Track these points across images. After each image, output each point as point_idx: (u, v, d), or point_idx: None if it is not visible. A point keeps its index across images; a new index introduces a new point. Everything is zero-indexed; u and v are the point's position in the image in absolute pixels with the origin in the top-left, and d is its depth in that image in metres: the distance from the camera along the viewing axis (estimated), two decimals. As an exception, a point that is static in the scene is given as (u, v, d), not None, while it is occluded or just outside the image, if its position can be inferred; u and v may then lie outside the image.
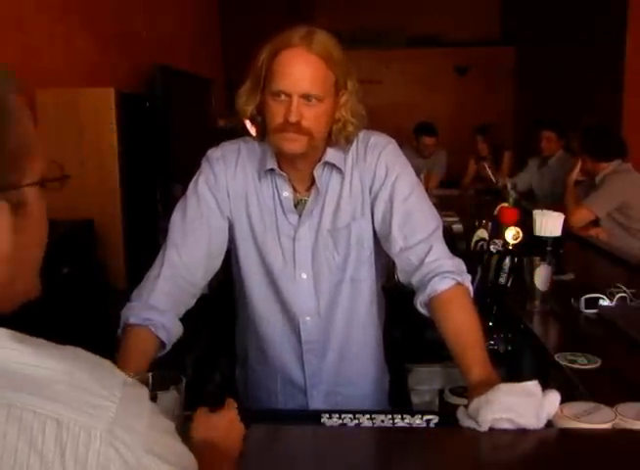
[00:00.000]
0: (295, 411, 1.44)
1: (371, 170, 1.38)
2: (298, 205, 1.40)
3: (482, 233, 2.12)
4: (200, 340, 2.43)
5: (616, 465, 1.00)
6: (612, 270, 2.48)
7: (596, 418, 1.07)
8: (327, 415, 1.15)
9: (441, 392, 1.60)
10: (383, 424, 1.13)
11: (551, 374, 1.48)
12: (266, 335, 1.47)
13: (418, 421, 1.14)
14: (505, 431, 1.05)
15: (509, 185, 3.18)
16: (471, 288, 1.33)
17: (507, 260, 1.90)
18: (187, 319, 1.35)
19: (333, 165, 1.38)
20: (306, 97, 1.24)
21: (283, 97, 1.24)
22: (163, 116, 3.73)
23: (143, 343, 1.25)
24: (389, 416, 1.15)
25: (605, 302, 1.81)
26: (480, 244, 2.10)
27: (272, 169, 1.37)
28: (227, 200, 1.39)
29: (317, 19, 6.16)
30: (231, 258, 1.48)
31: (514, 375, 1.71)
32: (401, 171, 1.38)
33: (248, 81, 1.32)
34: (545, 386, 1.09)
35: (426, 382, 1.94)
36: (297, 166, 1.37)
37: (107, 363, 0.56)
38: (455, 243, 2.93)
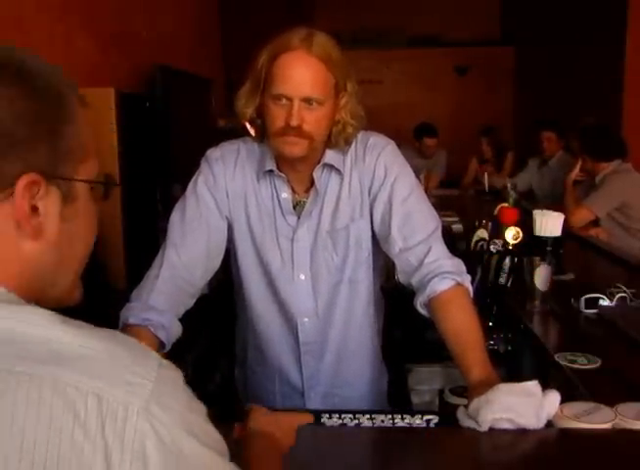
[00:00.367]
0: (294, 411, 1.44)
1: (370, 171, 1.38)
2: (297, 206, 1.40)
3: (482, 233, 2.13)
4: (200, 340, 2.42)
5: (616, 465, 1.00)
6: (612, 270, 2.48)
7: (596, 418, 1.07)
8: (327, 415, 1.15)
9: (441, 392, 1.60)
10: (383, 424, 1.13)
11: (551, 374, 1.47)
12: (264, 335, 1.47)
13: (418, 421, 1.14)
14: (505, 431, 1.05)
15: (509, 185, 3.18)
16: (470, 288, 1.33)
17: (507, 260, 1.90)
18: (187, 319, 1.35)
19: (332, 167, 1.38)
20: (307, 100, 1.24)
21: (284, 101, 1.24)
22: (163, 116, 3.73)
23: (142, 343, 1.25)
24: (389, 416, 1.15)
25: (605, 302, 1.81)
26: (480, 244, 2.10)
27: (271, 171, 1.37)
28: (226, 200, 1.39)
29: (317, 19, 6.16)
30: (230, 257, 1.48)
31: (514, 375, 1.71)
32: (400, 172, 1.38)
33: (247, 83, 1.31)
34: (545, 386, 1.09)
35: (426, 382, 1.94)
36: (296, 168, 1.37)
37: (142, 345, 0.60)
38: (455, 243, 2.93)
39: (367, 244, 1.42)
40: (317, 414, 1.16)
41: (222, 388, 2.15)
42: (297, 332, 1.44)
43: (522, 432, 1.05)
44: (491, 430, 1.05)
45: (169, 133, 3.76)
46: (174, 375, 0.58)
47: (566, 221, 2.00)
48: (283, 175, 1.37)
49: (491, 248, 1.95)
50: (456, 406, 1.14)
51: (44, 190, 0.60)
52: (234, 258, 1.46)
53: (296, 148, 1.27)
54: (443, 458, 1.09)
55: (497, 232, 2.02)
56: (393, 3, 6.67)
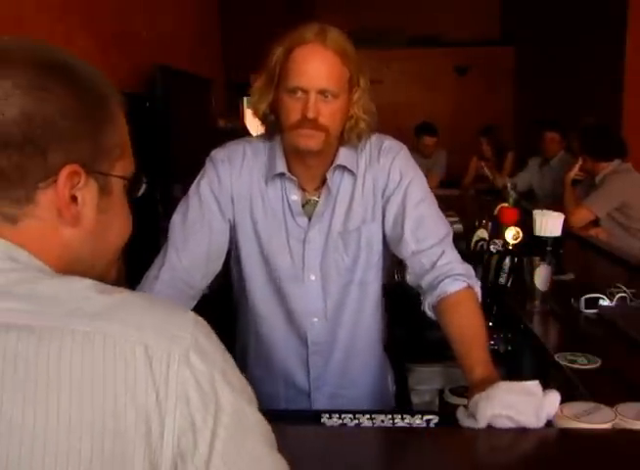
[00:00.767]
0: (294, 411, 1.44)
1: (385, 173, 1.38)
2: (307, 205, 1.39)
3: (482, 233, 2.13)
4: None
5: (616, 465, 1.00)
6: (612, 270, 2.48)
7: (596, 418, 1.07)
8: (327, 415, 1.15)
9: (441, 392, 1.60)
10: (383, 424, 1.13)
11: (551, 374, 1.47)
12: (269, 338, 1.46)
13: (418, 421, 1.14)
14: (505, 431, 1.05)
15: (509, 185, 3.18)
16: (479, 293, 1.34)
17: (507, 260, 1.90)
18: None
19: (345, 168, 1.38)
20: (323, 93, 1.24)
21: (299, 93, 1.24)
22: (163, 116, 3.73)
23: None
24: (389, 416, 1.15)
25: (605, 302, 1.81)
26: (480, 244, 2.10)
27: (282, 173, 1.36)
28: (230, 202, 1.38)
29: (317, 19, 6.13)
30: (230, 260, 1.47)
31: (514, 375, 1.71)
32: (414, 177, 1.40)
33: (260, 79, 1.32)
34: (545, 386, 1.09)
35: (426, 382, 1.94)
36: (308, 166, 1.36)
37: (179, 304, 0.67)
38: (455, 243, 2.93)
39: (378, 246, 1.42)
40: (317, 414, 1.16)
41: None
42: (304, 333, 1.43)
43: (521, 432, 1.05)
44: (491, 429, 1.05)
45: (169, 133, 3.76)
46: (208, 330, 0.64)
47: (566, 221, 2.00)
48: (294, 178, 1.36)
49: (491, 248, 1.95)
50: (456, 406, 1.14)
51: (84, 181, 0.65)
52: (236, 260, 1.44)
53: (312, 141, 1.27)
54: (443, 458, 1.09)
55: (497, 232, 2.02)
56: (393, 3, 6.67)
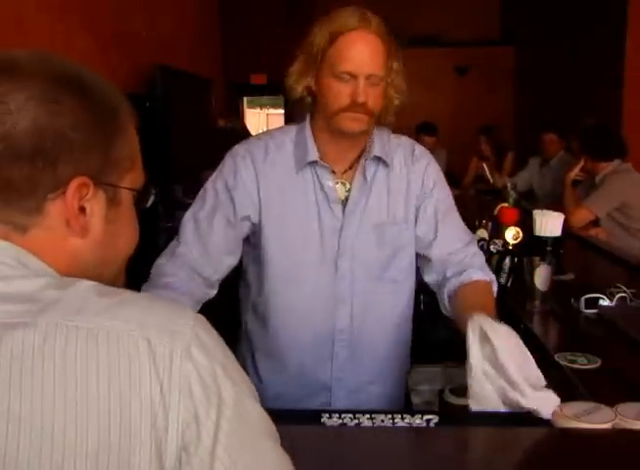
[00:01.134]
0: (294, 411, 1.44)
1: (419, 178, 1.45)
2: (337, 186, 1.40)
3: (482, 233, 2.13)
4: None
5: (616, 465, 1.00)
6: (612, 270, 2.48)
7: (596, 418, 1.07)
8: (327, 415, 1.15)
9: (441, 392, 1.60)
10: (383, 424, 1.13)
11: (551, 374, 1.47)
12: (293, 332, 1.42)
13: (418, 421, 1.14)
14: (505, 430, 1.05)
15: (509, 185, 3.18)
16: (495, 294, 1.43)
17: (507, 260, 1.90)
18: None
19: (380, 159, 1.41)
20: (370, 77, 1.28)
21: (347, 78, 1.28)
22: (163, 116, 3.73)
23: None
24: (389, 416, 1.15)
25: (605, 302, 1.81)
26: (480, 244, 2.10)
27: (314, 161, 1.37)
28: (248, 198, 1.38)
29: (317, 19, 6.15)
30: (244, 261, 1.46)
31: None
32: (444, 186, 1.49)
33: (298, 63, 1.36)
34: (545, 386, 1.09)
35: (426, 382, 1.94)
36: (343, 149, 1.39)
37: (179, 303, 0.70)
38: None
39: (410, 247, 1.45)
40: (317, 414, 1.16)
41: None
42: (333, 322, 1.41)
43: (521, 432, 1.05)
44: (491, 429, 1.05)
45: (169, 133, 3.76)
46: (208, 326, 0.65)
47: (566, 221, 2.00)
48: (327, 164, 1.38)
49: (491, 248, 1.96)
50: (456, 406, 1.14)
51: (92, 193, 0.66)
52: (255, 258, 1.43)
53: (359, 124, 1.32)
54: (443, 458, 1.09)
55: (497, 232, 2.03)
56: (393, 3, 6.67)
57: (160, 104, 3.72)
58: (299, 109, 1.41)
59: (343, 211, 1.39)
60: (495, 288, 1.43)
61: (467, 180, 5.44)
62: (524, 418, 1.09)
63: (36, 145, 0.62)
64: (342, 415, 1.15)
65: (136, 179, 0.73)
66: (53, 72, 0.65)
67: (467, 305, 1.33)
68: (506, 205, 2.37)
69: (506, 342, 1.12)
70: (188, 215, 1.41)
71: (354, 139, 1.38)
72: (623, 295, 1.84)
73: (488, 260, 1.94)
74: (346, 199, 1.40)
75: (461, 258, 1.43)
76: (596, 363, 1.42)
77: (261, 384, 1.48)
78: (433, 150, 5.59)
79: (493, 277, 1.45)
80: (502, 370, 1.08)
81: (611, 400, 1.12)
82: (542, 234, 1.90)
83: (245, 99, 7.14)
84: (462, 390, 1.41)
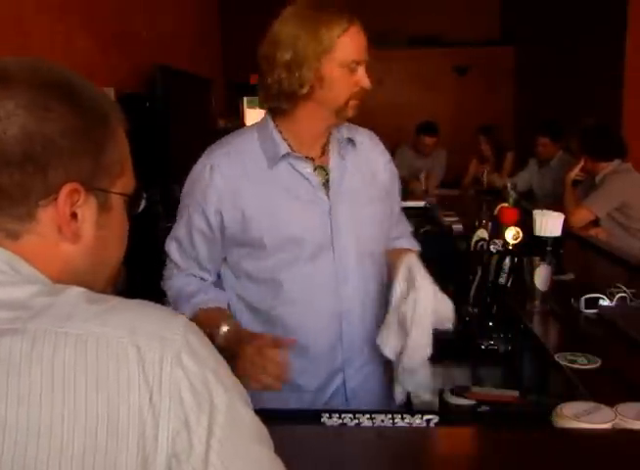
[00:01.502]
0: (294, 411, 1.44)
1: (381, 161, 1.55)
2: (317, 169, 1.43)
3: (482, 233, 2.12)
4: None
5: (616, 465, 1.00)
6: (612, 270, 2.48)
7: (596, 418, 1.07)
8: (327, 415, 1.15)
9: (441, 392, 1.60)
10: (383, 424, 1.13)
11: (551, 374, 1.47)
12: (300, 321, 1.43)
13: (418, 421, 1.14)
14: (505, 431, 1.05)
15: (509, 185, 3.18)
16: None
17: (507, 260, 1.90)
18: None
19: (351, 141, 1.48)
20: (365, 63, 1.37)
21: (354, 67, 1.35)
22: (163, 116, 3.73)
23: None
24: (389, 416, 1.15)
25: (605, 302, 1.81)
26: (479, 244, 2.10)
27: (287, 154, 1.39)
28: (222, 209, 1.39)
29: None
30: (236, 266, 1.48)
31: (514, 375, 1.71)
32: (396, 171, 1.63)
33: (284, 58, 1.38)
34: (545, 386, 1.09)
35: (426, 382, 1.93)
36: (319, 136, 1.44)
37: (169, 308, 0.69)
38: (455, 243, 2.93)
39: (387, 215, 1.54)
40: (317, 414, 1.16)
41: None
42: (339, 302, 1.42)
43: (521, 432, 1.05)
44: (491, 429, 1.05)
45: (169, 133, 3.76)
46: (198, 332, 0.65)
47: (566, 221, 2.00)
48: (300, 154, 1.41)
49: (491, 248, 1.95)
50: (456, 406, 1.14)
51: (83, 199, 0.67)
52: (252, 256, 1.43)
53: (357, 109, 1.40)
54: (443, 458, 1.09)
55: (497, 232, 2.02)
56: (393, 3, 6.67)
57: (160, 104, 3.71)
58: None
59: (327, 193, 1.42)
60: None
61: (467, 180, 5.44)
62: (524, 418, 1.09)
63: (26, 151, 0.63)
64: (342, 415, 1.15)
65: (127, 184, 0.73)
66: (43, 79, 0.66)
67: (395, 251, 1.51)
68: (506, 205, 2.37)
69: (429, 284, 1.29)
70: (170, 237, 1.48)
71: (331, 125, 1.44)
72: (623, 295, 1.84)
73: (488, 260, 1.94)
74: (327, 181, 1.43)
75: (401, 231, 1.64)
76: (596, 363, 1.42)
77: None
78: (433, 150, 5.62)
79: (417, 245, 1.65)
80: (411, 328, 1.29)
81: (611, 400, 1.12)
82: (542, 234, 1.90)
83: (245, 99, 7.12)
84: (462, 390, 1.41)
